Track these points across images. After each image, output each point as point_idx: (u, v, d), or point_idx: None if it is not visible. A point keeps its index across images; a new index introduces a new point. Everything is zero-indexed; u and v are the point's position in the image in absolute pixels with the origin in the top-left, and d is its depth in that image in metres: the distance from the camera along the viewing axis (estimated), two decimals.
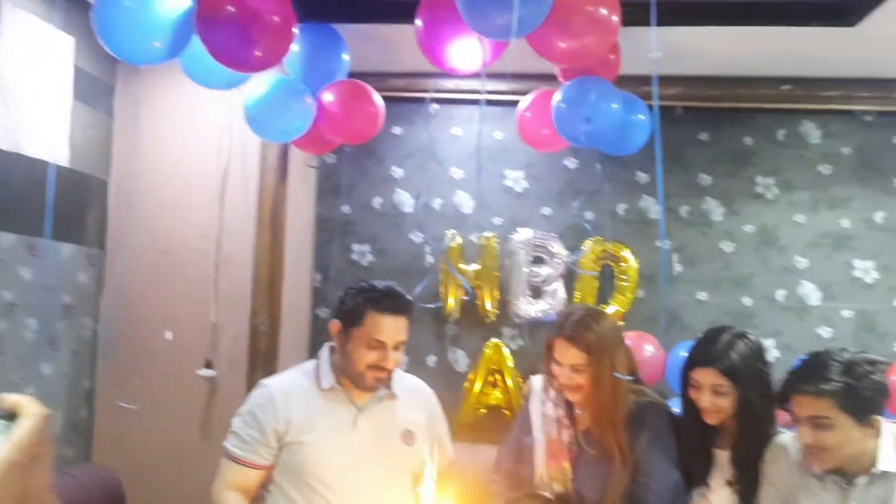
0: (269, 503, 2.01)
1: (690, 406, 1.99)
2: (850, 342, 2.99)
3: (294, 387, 2.03)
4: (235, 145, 2.89)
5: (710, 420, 1.95)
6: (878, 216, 3.04)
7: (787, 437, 1.90)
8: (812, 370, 1.74)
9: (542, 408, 2.15)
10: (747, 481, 1.94)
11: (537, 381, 2.22)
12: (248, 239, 2.88)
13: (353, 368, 1.98)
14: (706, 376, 1.92)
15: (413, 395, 2.14)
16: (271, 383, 2.06)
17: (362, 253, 3.26)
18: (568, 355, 1.98)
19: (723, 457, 2.00)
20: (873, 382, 1.69)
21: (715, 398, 1.91)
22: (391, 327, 1.96)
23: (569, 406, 2.10)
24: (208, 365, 2.87)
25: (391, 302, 1.97)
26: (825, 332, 3.03)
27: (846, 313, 3.03)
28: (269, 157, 2.90)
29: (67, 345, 2.76)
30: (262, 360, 2.83)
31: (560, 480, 2.05)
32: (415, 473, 2.05)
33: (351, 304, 1.99)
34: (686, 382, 1.99)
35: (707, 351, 1.94)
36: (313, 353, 2.21)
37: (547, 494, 2.03)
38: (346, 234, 3.25)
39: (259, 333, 2.81)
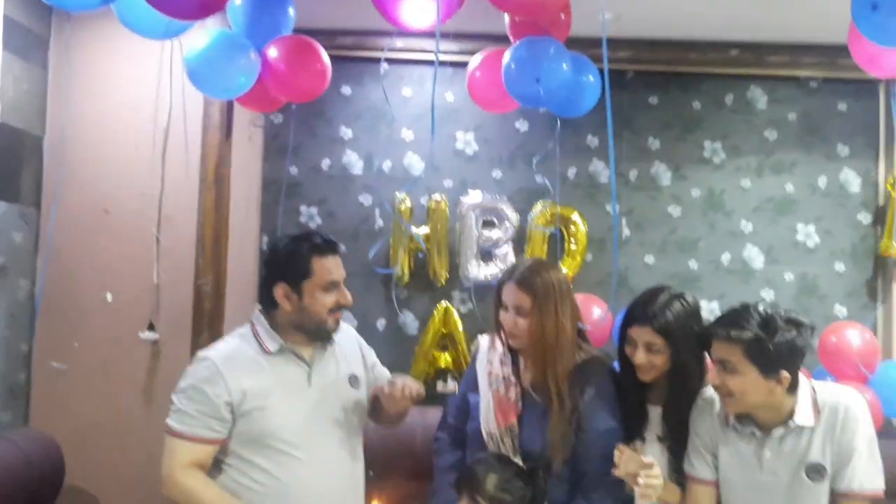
0: (231, 475, 1.93)
1: (626, 363, 2.03)
2: (791, 304, 3.05)
3: (239, 355, 1.95)
4: (177, 101, 2.80)
5: (644, 377, 1.99)
6: (821, 181, 3.10)
7: (712, 391, 1.94)
8: (732, 318, 1.79)
9: (488, 367, 2.16)
10: (677, 437, 2.00)
11: (484, 340, 2.23)
12: (191, 198, 2.80)
13: (314, 319, 1.94)
14: (641, 334, 1.96)
15: (343, 337, 2.12)
16: (212, 355, 1.95)
17: (310, 215, 3.20)
18: (514, 298, 2.01)
19: (655, 413, 2.04)
20: (785, 341, 1.73)
21: (649, 355, 1.95)
22: (337, 265, 1.97)
23: (515, 363, 2.12)
24: (151, 327, 2.80)
25: (327, 243, 1.97)
26: (768, 294, 3.09)
27: (788, 276, 3.09)
28: (213, 114, 2.81)
29: (3, 307, 2.66)
30: (207, 323, 2.78)
31: (510, 437, 2.06)
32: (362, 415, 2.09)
33: (292, 259, 1.94)
34: (623, 339, 2.03)
35: (644, 309, 1.97)
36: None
37: (506, 454, 2.03)
38: (294, 196, 3.19)
39: (203, 295, 2.75)
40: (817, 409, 1.81)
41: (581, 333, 2.12)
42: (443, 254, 3.12)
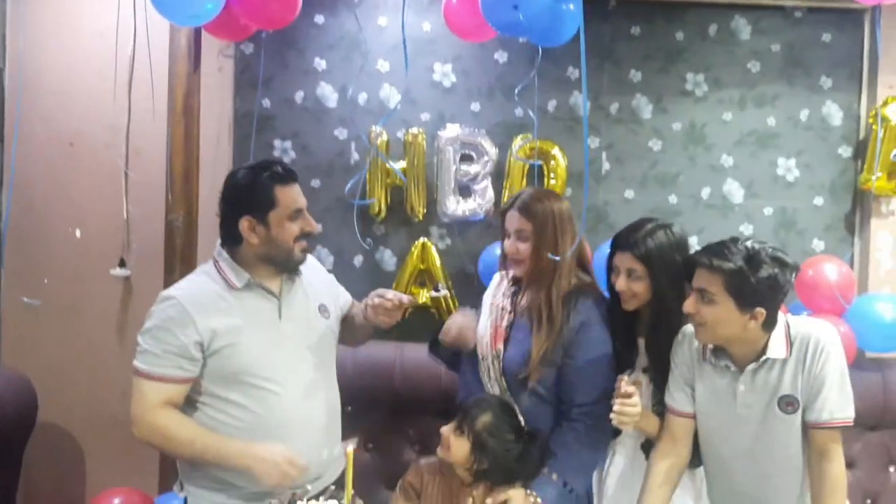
0: (206, 412, 1.90)
1: (613, 292, 2.06)
2: (769, 239, 3.02)
3: (205, 293, 1.90)
4: (142, 29, 2.68)
5: (626, 305, 2.02)
6: (803, 114, 3.06)
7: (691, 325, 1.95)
8: (717, 248, 1.79)
9: (492, 298, 2.21)
10: (659, 368, 2.03)
11: (497, 276, 2.29)
12: (159, 131, 2.72)
13: (281, 250, 1.91)
14: (623, 260, 1.99)
15: (307, 268, 2.10)
16: (178, 294, 1.90)
17: (284, 149, 3.12)
18: (515, 223, 2.07)
19: (642, 344, 2.07)
20: (767, 277, 1.73)
21: (629, 282, 1.98)
22: (299, 193, 1.95)
23: (514, 294, 2.15)
24: (122, 264, 2.75)
25: (289, 172, 1.94)
26: (747, 229, 3.07)
27: (767, 211, 3.08)
28: (180, 42, 2.70)
29: None
30: (180, 259, 2.72)
31: (497, 361, 2.08)
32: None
33: (254, 191, 1.89)
34: (609, 268, 2.06)
35: (628, 236, 2.00)
36: None
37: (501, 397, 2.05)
38: (267, 130, 3.10)
39: (175, 230, 2.69)
40: (789, 342, 1.82)
41: (583, 266, 2.13)
42: (420, 189, 3.07)
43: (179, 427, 1.84)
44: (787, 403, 1.83)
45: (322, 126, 3.11)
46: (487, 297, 2.24)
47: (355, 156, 3.11)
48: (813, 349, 1.80)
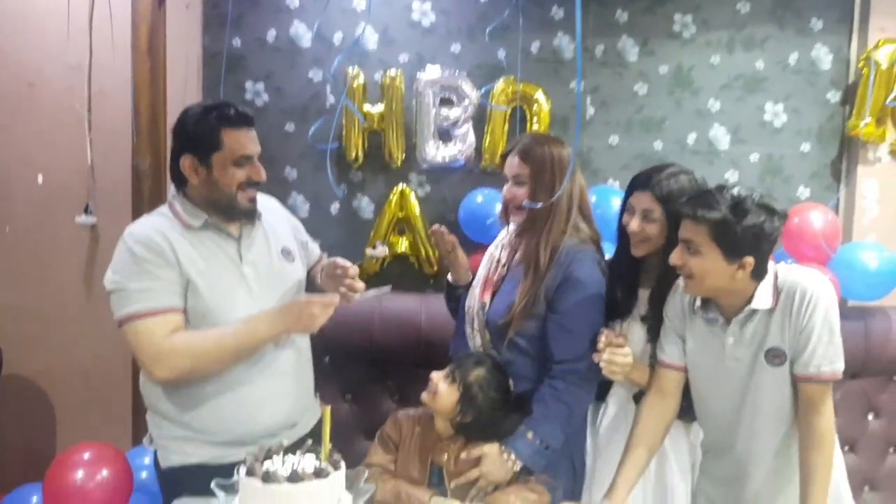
0: None
1: (623, 237, 2.02)
2: (755, 186, 2.97)
3: (162, 225, 1.83)
4: None
5: (636, 250, 1.97)
6: (792, 58, 2.97)
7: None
8: (703, 197, 1.73)
9: (492, 249, 2.16)
10: (658, 317, 1.98)
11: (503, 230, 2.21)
12: (123, 71, 2.58)
13: (225, 195, 1.83)
14: (640, 200, 1.94)
15: (268, 211, 2.03)
16: (135, 228, 1.82)
17: (256, 92, 2.99)
18: (513, 168, 2.01)
19: (644, 295, 2.03)
20: (753, 226, 1.67)
21: (644, 223, 1.93)
22: (250, 139, 1.85)
23: (513, 246, 2.09)
24: (87, 211, 2.63)
25: (241, 115, 1.84)
26: (732, 176, 3.01)
27: (753, 157, 3.02)
28: None
29: None
30: (148, 205, 2.59)
31: (482, 313, 2.03)
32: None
33: (200, 130, 1.80)
34: (623, 210, 2.02)
35: (650, 176, 1.95)
36: None
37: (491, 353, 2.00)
38: (238, 71, 2.97)
39: (142, 175, 2.57)
40: (777, 292, 1.77)
41: (585, 217, 2.06)
42: (399, 134, 2.97)
43: (203, 340, 1.78)
44: (774, 356, 1.78)
45: (295, 67, 2.98)
46: (490, 249, 2.19)
47: (331, 98, 3.00)
48: (800, 300, 1.74)
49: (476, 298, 2.07)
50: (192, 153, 1.80)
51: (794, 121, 3.00)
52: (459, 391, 1.86)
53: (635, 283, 2.03)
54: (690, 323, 1.89)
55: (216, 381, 1.82)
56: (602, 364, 1.84)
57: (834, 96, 2.99)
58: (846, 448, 2.82)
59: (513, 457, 1.86)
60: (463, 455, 1.87)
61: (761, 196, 1.71)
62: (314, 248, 2.18)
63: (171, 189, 2.67)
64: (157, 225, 1.83)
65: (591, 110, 3.02)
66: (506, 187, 2.05)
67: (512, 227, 2.11)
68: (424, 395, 1.89)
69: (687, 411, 1.97)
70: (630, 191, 2.00)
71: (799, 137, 3.01)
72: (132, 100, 2.58)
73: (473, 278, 2.17)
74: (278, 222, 2.05)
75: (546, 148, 1.99)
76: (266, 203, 2.04)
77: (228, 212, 1.86)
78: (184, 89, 2.82)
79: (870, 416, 2.84)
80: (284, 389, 1.91)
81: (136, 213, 2.61)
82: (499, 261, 2.10)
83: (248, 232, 1.91)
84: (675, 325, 1.92)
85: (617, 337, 1.88)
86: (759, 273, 1.75)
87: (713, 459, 1.99)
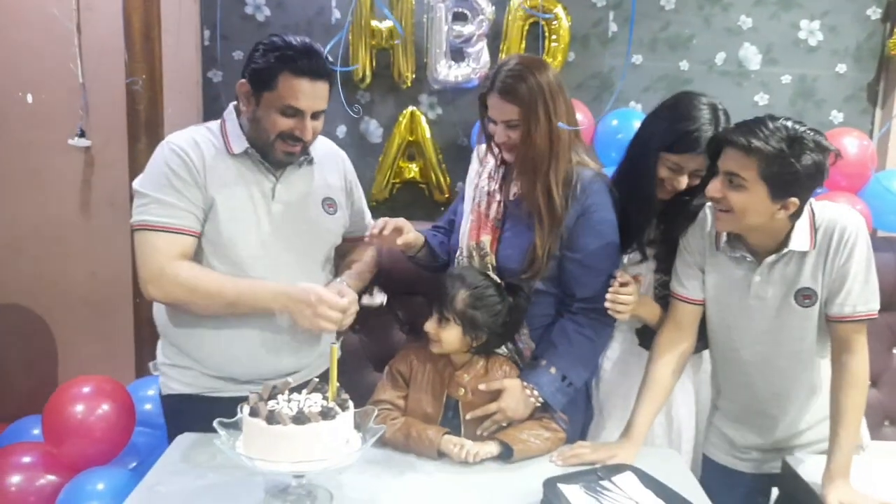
0: None
1: (646, 178, 1.85)
2: (785, 110, 2.83)
3: (205, 142, 1.76)
4: None
5: (666, 196, 1.86)
6: None
7: (707, 209, 1.80)
8: (755, 126, 1.56)
9: (476, 178, 1.97)
10: (668, 255, 1.89)
11: (481, 148, 2.01)
12: None
13: (262, 137, 1.74)
14: (693, 162, 1.79)
15: (329, 160, 1.94)
16: (182, 144, 1.74)
17: (257, 6, 2.81)
18: (501, 111, 1.79)
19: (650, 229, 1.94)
20: (809, 165, 1.53)
21: (691, 180, 1.83)
22: (309, 93, 1.70)
23: (504, 176, 1.92)
24: (82, 134, 2.50)
25: (309, 63, 1.69)
26: (762, 99, 2.85)
27: (785, 79, 2.84)
28: None
29: None
30: (145, 128, 2.48)
31: (478, 254, 1.89)
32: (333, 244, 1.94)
33: (262, 62, 1.69)
34: (653, 160, 1.83)
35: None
36: (207, 119, 1.90)
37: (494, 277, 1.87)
38: None
39: (137, 96, 2.43)
40: (814, 232, 1.66)
41: (577, 136, 1.89)
42: (409, 52, 2.80)
43: (206, 276, 1.71)
44: (805, 296, 1.69)
45: None
46: (471, 176, 2.00)
47: (336, 14, 2.82)
48: (838, 240, 1.64)
49: (467, 238, 1.92)
50: (249, 80, 1.72)
51: (830, 39, 2.82)
52: (458, 325, 1.77)
53: (648, 220, 1.91)
54: (713, 258, 1.78)
55: (215, 318, 1.74)
56: (606, 304, 1.76)
57: (875, 13, 2.79)
58: (868, 383, 2.74)
59: (535, 392, 1.79)
60: (482, 386, 1.80)
61: (815, 131, 1.56)
62: (367, 218, 2.07)
63: (167, 110, 2.56)
64: (200, 140, 1.77)
65: (613, 27, 2.83)
66: (496, 129, 1.83)
67: (492, 160, 1.94)
68: (433, 348, 1.81)
69: (697, 342, 1.90)
70: (677, 149, 1.80)
71: (835, 57, 2.83)
72: (123, 14, 2.41)
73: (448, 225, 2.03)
74: (332, 174, 1.95)
75: (530, 79, 1.77)
76: (328, 150, 1.96)
77: (262, 155, 1.77)
78: (179, 3, 2.64)
79: (894, 350, 2.75)
80: (283, 343, 1.83)
81: (132, 135, 2.48)
82: (490, 194, 1.92)
83: (291, 170, 1.83)
84: (697, 260, 1.81)
85: (626, 278, 1.78)
86: (799, 213, 1.63)
87: (729, 397, 1.92)
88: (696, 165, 1.80)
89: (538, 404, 1.80)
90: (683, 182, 1.82)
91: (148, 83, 2.44)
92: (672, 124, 1.81)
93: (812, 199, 1.68)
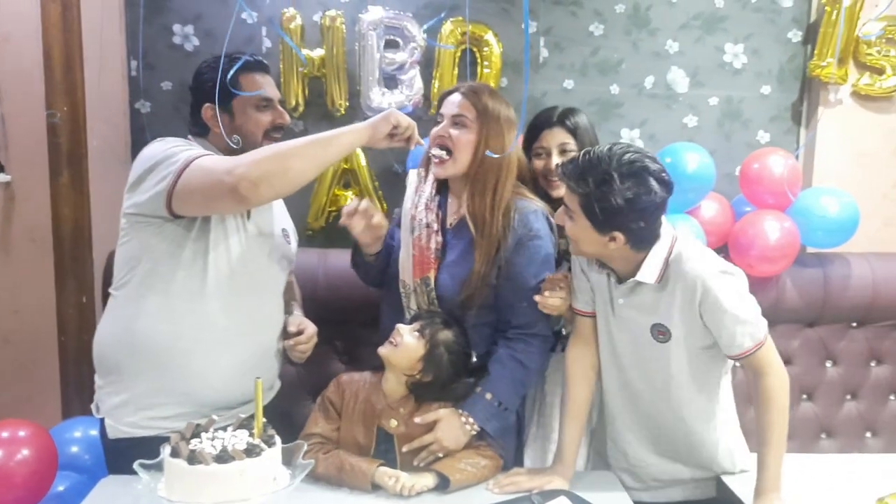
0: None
1: (538, 185, 2.08)
2: (714, 130, 2.90)
3: None
4: None
5: (559, 191, 1.92)
6: None
7: None
8: (577, 166, 1.65)
9: (412, 209, 1.96)
10: None
11: (413, 174, 2.04)
12: (30, 13, 2.33)
13: (251, 141, 1.83)
14: (554, 137, 2.05)
15: None
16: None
17: (185, 35, 2.77)
18: (456, 107, 1.85)
19: None
20: (616, 203, 1.58)
21: (564, 158, 2.02)
22: (269, 83, 1.89)
23: (442, 206, 1.94)
24: (1, 168, 2.41)
25: (255, 62, 1.88)
26: (691, 120, 2.90)
27: (713, 101, 2.91)
28: None
29: None
30: (68, 161, 2.40)
31: (424, 290, 1.88)
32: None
33: (215, 76, 1.80)
34: (530, 157, 2.07)
35: (549, 114, 2.10)
36: (136, 152, 1.87)
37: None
38: (164, 13, 2.73)
39: (57, 129, 2.35)
40: (664, 269, 1.69)
41: (521, 178, 1.96)
42: (341, 80, 2.78)
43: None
44: (659, 332, 1.74)
45: (227, 8, 2.75)
46: (407, 204, 1.99)
47: (267, 42, 2.79)
48: (693, 289, 1.67)
49: (408, 272, 1.91)
50: (211, 101, 1.80)
51: (754, 62, 2.90)
52: (426, 349, 1.75)
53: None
54: (595, 274, 1.83)
55: (191, 340, 1.74)
56: (537, 301, 1.81)
57: (795, 35, 2.89)
58: (804, 396, 2.79)
59: (471, 420, 1.77)
60: (418, 419, 1.77)
61: (640, 167, 1.59)
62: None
63: (91, 143, 2.49)
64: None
65: (544, 52, 2.87)
66: (442, 124, 1.87)
67: (431, 185, 1.95)
68: (383, 348, 1.77)
69: None
70: (536, 134, 2.07)
71: (759, 79, 2.91)
72: (41, 46, 2.34)
73: (384, 249, 2.01)
74: (281, 207, 2.05)
75: (496, 100, 1.88)
76: None
77: None
78: (103, 33, 2.58)
79: (828, 364, 2.80)
80: (254, 365, 1.82)
81: (54, 169, 2.40)
82: (429, 226, 1.91)
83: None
84: (586, 273, 1.85)
85: (558, 280, 1.84)
86: (637, 245, 1.67)
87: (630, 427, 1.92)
88: (560, 140, 2.02)
89: (474, 432, 1.78)
90: (554, 161, 2.01)
91: (69, 115, 2.37)
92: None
93: (677, 236, 1.73)
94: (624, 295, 1.75)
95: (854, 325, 2.78)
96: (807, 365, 2.77)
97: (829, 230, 2.63)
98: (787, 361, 2.71)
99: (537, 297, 1.80)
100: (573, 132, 2.05)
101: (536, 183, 2.05)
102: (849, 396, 2.82)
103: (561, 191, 1.82)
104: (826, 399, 2.80)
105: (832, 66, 2.75)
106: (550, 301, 1.80)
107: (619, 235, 1.64)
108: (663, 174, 1.62)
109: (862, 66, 2.84)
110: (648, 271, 1.69)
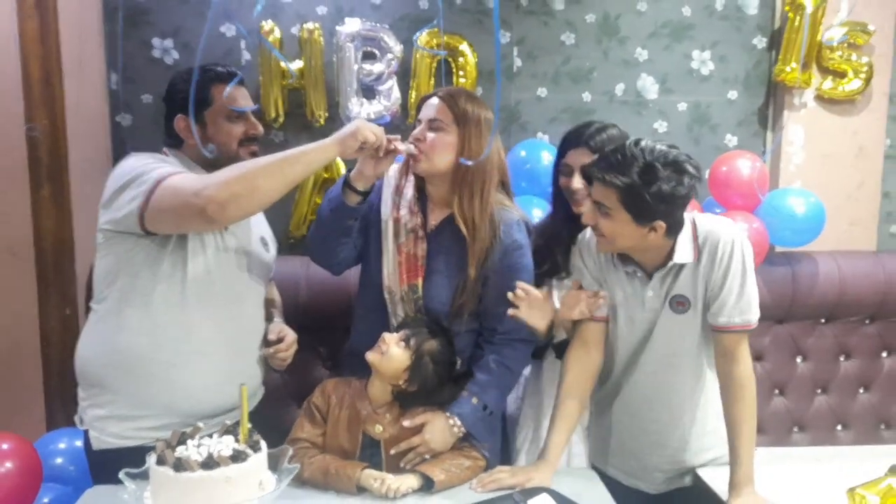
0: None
1: (560, 198, 2.02)
2: (683, 135, 2.97)
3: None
4: None
5: (578, 207, 1.92)
6: (719, 3, 2.93)
7: (589, 232, 1.88)
8: (612, 160, 1.66)
9: (394, 211, 1.95)
10: None
11: (393, 169, 1.98)
12: (7, 26, 2.35)
13: (226, 152, 1.83)
14: (579, 156, 1.92)
15: None
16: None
17: (165, 49, 2.80)
18: (431, 111, 1.86)
19: None
20: (662, 192, 1.62)
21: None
22: (242, 95, 1.88)
23: (423, 211, 1.94)
24: None
25: (227, 72, 1.87)
26: (661, 126, 2.98)
27: (682, 106, 2.98)
28: None
29: None
30: (49, 175, 2.42)
31: (412, 297, 1.91)
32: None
33: (187, 88, 1.75)
34: (557, 172, 2.00)
35: (580, 132, 1.96)
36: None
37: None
38: (143, 26, 2.76)
39: (36, 143, 2.37)
40: (697, 245, 1.74)
41: (505, 188, 1.97)
42: (320, 91, 2.82)
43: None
44: (678, 303, 1.78)
45: (206, 22, 2.78)
46: (387, 203, 1.97)
47: (246, 55, 2.83)
48: (712, 251, 1.73)
49: (395, 279, 1.93)
50: (184, 112, 1.78)
51: (720, 68, 2.98)
52: (411, 359, 1.79)
53: (571, 243, 1.97)
54: (612, 275, 1.86)
55: (172, 352, 1.76)
56: (511, 312, 1.84)
57: (760, 42, 2.98)
58: (776, 391, 2.87)
59: (458, 422, 1.81)
60: (405, 423, 1.81)
61: (676, 155, 1.65)
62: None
63: (74, 156, 2.51)
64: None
65: (517, 62, 2.93)
66: (419, 127, 1.87)
67: (412, 188, 1.96)
68: (371, 355, 1.80)
69: None
70: (564, 150, 1.97)
71: (726, 85, 2.99)
72: (20, 59, 2.36)
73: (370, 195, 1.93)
74: (259, 215, 2.02)
75: (477, 105, 1.87)
76: None
77: None
78: (82, 47, 2.60)
79: (798, 360, 2.89)
80: (237, 372, 1.84)
81: (36, 183, 2.42)
82: (413, 231, 1.92)
83: None
84: (596, 276, 1.88)
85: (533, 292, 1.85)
86: (673, 231, 1.72)
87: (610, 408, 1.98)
88: (581, 161, 1.89)
89: (461, 434, 1.82)
90: (577, 182, 1.91)
91: (49, 129, 2.39)
92: (566, 133, 2.00)
93: (694, 213, 1.78)
94: (654, 286, 1.78)
95: (823, 321, 2.87)
96: (778, 361, 2.85)
97: (796, 230, 2.71)
98: (758, 358, 2.80)
99: (510, 312, 1.83)
100: (598, 153, 1.90)
101: (562, 197, 2.02)
102: (819, 391, 2.90)
103: (583, 208, 1.84)
104: (797, 394, 2.88)
105: (796, 70, 2.84)
106: (521, 314, 1.83)
107: (661, 224, 1.66)
108: (693, 161, 1.67)
109: (825, 71, 2.93)
110: (684, 251, 1.73)
